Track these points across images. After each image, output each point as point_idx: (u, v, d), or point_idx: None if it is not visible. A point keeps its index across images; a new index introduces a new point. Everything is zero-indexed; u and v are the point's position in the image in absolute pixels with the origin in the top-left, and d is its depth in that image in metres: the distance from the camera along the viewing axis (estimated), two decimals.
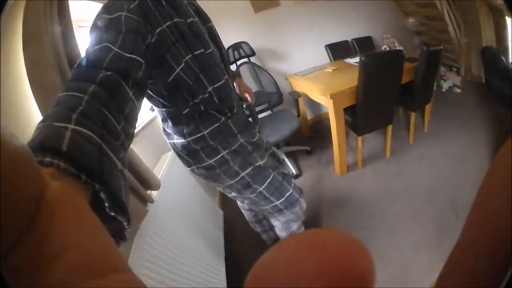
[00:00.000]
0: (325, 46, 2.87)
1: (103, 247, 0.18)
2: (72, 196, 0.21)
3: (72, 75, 0.46)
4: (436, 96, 2.45)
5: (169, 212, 1.12)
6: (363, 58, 1.78)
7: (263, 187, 0.97)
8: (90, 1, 1.18)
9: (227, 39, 2.74)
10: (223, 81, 0.84)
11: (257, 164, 0.95)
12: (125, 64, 0.51)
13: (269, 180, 0.98)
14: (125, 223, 0.30)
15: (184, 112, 0.82)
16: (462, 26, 2.79)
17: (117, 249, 0.19)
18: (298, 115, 2.29)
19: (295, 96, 2.27)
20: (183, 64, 0.74)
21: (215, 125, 0.86)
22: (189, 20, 0.78)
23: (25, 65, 0.73)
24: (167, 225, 1.05)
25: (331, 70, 2.39)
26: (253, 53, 2.62)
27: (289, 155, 2.41)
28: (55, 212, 0.18)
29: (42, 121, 0.33)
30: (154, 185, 1.04)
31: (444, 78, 3.20)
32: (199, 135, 0.85)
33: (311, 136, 2.88)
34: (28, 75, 0.73)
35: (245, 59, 2.66)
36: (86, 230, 0.19)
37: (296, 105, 2.28)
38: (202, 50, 0.77)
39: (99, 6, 0.64)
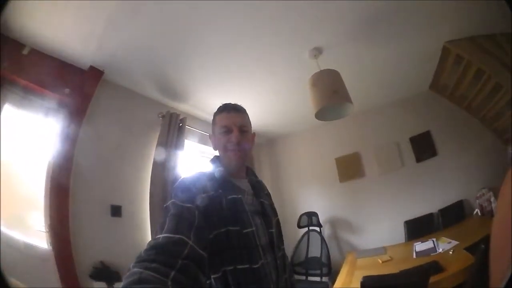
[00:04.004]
0: (404, 222, 2.63)
1: None
2: None
3: (147, 254, 0.54)
4: None
5: None
6: (361, 281, 1.73)
7: None
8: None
9: (308, 203, 3.34)
10: None
11: None
12: (199, 258, 0.59)
13: None
14: None
15: None
16: None
17: None
18: None
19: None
20: (219, 273, 0.70)
21: None
22: (246, 231, 0.76)
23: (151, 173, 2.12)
24: None
25: (380, 262, 2.22)
26: (319, 225, 3.00)
27: None
28: None
29: None
30: None
31: None
32: None
33: None
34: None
35: (316, 227, 3.01)
36: None
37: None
38: (247, 265, 0.72)
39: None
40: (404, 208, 2.74)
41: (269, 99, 2.71)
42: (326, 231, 3.13)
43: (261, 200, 0.91)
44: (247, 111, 0.96)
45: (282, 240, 0.96)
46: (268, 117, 3.16)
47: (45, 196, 1.65)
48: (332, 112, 2.04)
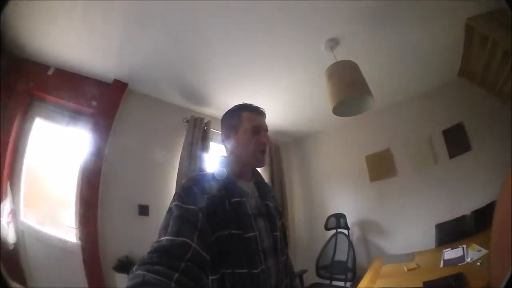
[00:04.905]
0: (435, 225, 2.49)
1: None
2: None
3: (150, 257, 0.56)
4: None
5: None
6: None
7: None
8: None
9: (337, 204, 3.34)
10: None
11: None
12: (202, 261, 0.61)
13: None
14: None
15: None
16: None
17: None
18: None
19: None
20: (217, 275, 0.70)
21: None
22: (248, 235, 0.75)
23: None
24: None
25: (406, 270, 2.18)
26: (347, 228, 2.98)
27: None
28: None
29: None
30: None
31: None
32: None
33: None
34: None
35: (344, 230, 3.01)
36: None
37: None
38: (247, 270, 0.72)
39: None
40: (436, 209, 2.55)
41: (291, 96, 2.70)
42: (355, 233, 3.09)
43: (266, 202, 0.91)
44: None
45: (287, 244, 0.96)
46: (292, 114, 3.17)
47: (76, 197, 1.84)
48: (351, 107, 1.89)
